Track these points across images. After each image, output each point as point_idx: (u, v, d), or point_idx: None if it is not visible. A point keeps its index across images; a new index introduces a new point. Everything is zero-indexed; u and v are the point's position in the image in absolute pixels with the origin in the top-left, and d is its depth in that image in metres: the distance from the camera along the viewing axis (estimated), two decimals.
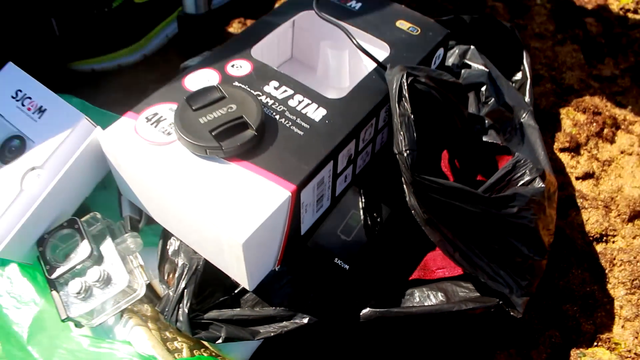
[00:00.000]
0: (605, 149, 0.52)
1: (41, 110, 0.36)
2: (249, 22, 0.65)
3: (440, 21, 0.49)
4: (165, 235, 0.38)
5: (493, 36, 0.51)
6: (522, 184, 0.35)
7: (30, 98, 0.37)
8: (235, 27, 0.65)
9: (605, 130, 0.53)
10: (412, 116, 0.32)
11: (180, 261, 0.36)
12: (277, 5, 0.67)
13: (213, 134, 0.32)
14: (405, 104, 0.32)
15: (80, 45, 0.58)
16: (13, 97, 0.37)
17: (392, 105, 0.33)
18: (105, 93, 0.57)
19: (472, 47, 0.45)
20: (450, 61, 0.45)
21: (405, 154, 0.31)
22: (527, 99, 0.47)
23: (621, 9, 0.65)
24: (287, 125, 0.34)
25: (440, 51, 0.42)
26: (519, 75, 0.50)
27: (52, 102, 0.36)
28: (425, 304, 0.36)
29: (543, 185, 0.34)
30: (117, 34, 0.60)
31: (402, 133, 0.32)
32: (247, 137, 0.32)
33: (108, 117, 0.45)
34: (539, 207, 0.34)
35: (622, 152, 0.52)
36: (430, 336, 0.40)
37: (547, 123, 0.53)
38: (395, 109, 0.32)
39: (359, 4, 0.43)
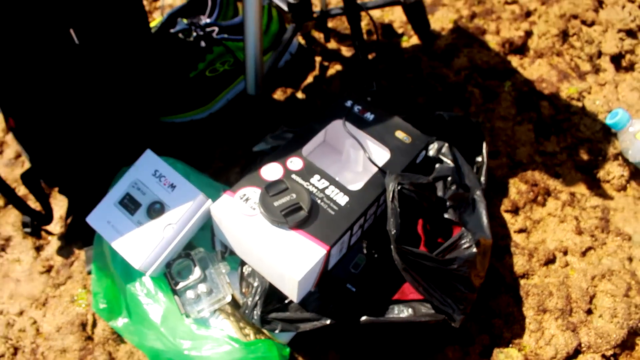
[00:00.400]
0: (537, 211, 0.77)
1: (172, 186, 0.60)
2: (289, 90, 0.89)
3: (427, 118, 0.73)
4: (242, 263, 0.63)
5: (465, 128, 0.75)
6: (464, 249, 0.60)
7: (165, 177, 0.61)
8: (279, 94, 0.88)
9: (539, 198, 0.77)
10: (399, 210, 0.57)
11: (254, 282, 0.61)
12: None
13: (282, 213, 0.56)
14: (395, 202, 0.57)
15: (167, 104, 0.82)
16: (153, 175, 0.61)
17: (387, 201, 0.57)
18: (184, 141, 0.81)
19: (446, 144, 0.70)
20: (430, 153, 0.70)
21: (392, 232, 0.56)
22: (482, 178, 0.72)
23: (568, 96, 0.88)
24: (325, 207, 0.59)
25: (422, 153, 0.66)
26: (480, 158, 0.74)
27: (179, 181, 0.61)
28: (401, 315, 0.61)
29: (475, 251, 0.59)
30: (193, 98, 0.84)
31: (392, 220, 0.56)
32: (302, 217, 0.57)
33: (202, 179, 0.69)
34: (471, 264, 0.59)
35: (549, 214, 0.77)
36: (403, 336, 0.65)
37: (498, 190, 0.78)
38: (389, 204, 0.57)
39: (372, 116, 0.67)
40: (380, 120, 0.67)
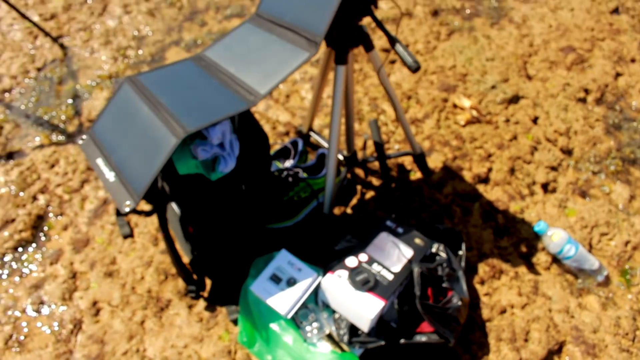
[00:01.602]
0: (495, 283, 1.42)
1: (299, 269, 1.25)
2: (342, 208, 1.55)
3: (429, 227, 1.40)
4: (334, 311, 1.26)
5: (451, 234, 1.41)
6: (454, 302, 1.24)
7: (294, 264, 1.25)
8: (336, 210, 1.54)
9: (496, 275, 1.43)
10: (420, 281, 1.22)
11: (342, 321, 1.24)
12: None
13: (360, 283, 1.21)
14: (418, 278, 1.22)
15: (269, 217, 1.48)
16: (288, 263, 1.26)
17: (414, 277, 1.22)
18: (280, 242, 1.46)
19: (442, 245, 1.36)
20: (433, 250, 1.35)
21: (418, 294, 1.21)
22: (462, 264, 1.37)
23: (514, 211, 1.56)
24: (380, 280, 1.23)
25: (429, 249, 1.32)
26: (460, 252, 1.40)
27: (302, 266, 1.25)
28: (422, 340, 1.24)
29: (460, 304, 1.23)
30: (285, 213, 1.49)
31: (417, 286, 1.21)
32: (370, 285, 1.21)
33: (309, 265, 1.33)
34: (458, 310, 1.23)
35: (502, 284, 1.42)
36: (422, 352, 1.28)
37: (472, 270, 1.43)
38: (415, 279, 1.22)
39: (402, 229, 1.34)
40: (406, 232, 1.33)
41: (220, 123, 1.11)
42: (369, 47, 1.28)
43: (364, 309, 1.19)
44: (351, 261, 1.27)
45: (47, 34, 2.02)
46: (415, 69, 1.15)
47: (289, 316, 1.21)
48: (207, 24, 2.19)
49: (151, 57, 2.06)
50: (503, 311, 1.36)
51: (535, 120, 1.78)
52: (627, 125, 1.78)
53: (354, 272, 1.24)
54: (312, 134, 1.62)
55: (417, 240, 1.33)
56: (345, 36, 1.23)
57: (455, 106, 1.81)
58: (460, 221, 1.52)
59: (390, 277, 1.24)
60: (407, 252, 1.30)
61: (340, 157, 1.52)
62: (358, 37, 1.25)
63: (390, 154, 1.56)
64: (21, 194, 1.65)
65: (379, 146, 1.54)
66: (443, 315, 1.23)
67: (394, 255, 1.30)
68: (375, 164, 1.65)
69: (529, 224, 1.52)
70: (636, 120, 1.79)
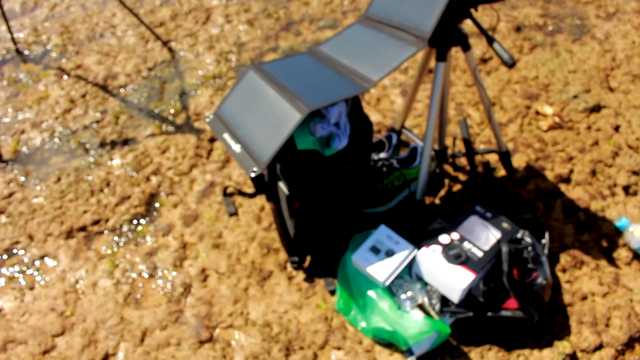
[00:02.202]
0: (576, 272, 1.55)
1: (397, 242, 1.43)
2: (431, 198, 1.73)
3: (516, 217, 1.55)
4: (426, 283, 1.43)
5: (536, 224, 1.56)
6: (539, 281, 1.38)
7: (392, 237, 1.43)
8: (426, 200, 1.72)
9: (577, 265, 1.56)
10: (508, 261, 1.37)
11: (433, 293, 1.40)
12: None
13: (453, 257, 1.37)
14: (506, 256, 1.37)
15: (366, 202, 1.67)
16: (386, 237, 1.44)
17: (502, 255, 1.38)
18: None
19: (527, 231, 1.51)
20: (519, 235, 1.51)
21: (505, 270, 1.36)
22: (545, 251, 1.51)
23: (595, 209, 1.69)
24: (471, 256, 1.39)
25: (516, 233, 1.48)
26: (543, 241, 1.54)
27: (399, 240, 1.43)
28: (507, 314, 1.38)
29: (545, 282, 1.38)
30: (379, 199, 1.68)
31: (505, 264, 1.36)
32: (462, 259, 1.37)
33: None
34: (543, 288, 1.37)
35: (583, 274, 1.55)
36: (507, 327, 1.42)
37: (554, 260, 1.57)
38: (504, 256, 1.37)
39: (490, 214, 1.50)
40: (495, 217, 1.49)
41: (338, 104, 1.32)
42: (466, 47, 1.47)
43: (455, 281, 1.35)
44: (444, 238, 1.44)
45: (158, 38, 2.32)
46: (511, 64, 1.33)
47: (387, 284, 1.39)
48: (301, 34, 2.45)
49: (251, 61, 2.33)
50: (584, 297, 1.49)
51: (616, 129, 1.91)
52: None
53: (447, 247, 1.40)
54: (404, 130, 1.81)
55: (505, 224, 1.48)
56: (447, 36, 1.43)
57: (537, 113, 1.97)
58: (542, 215, 1.67)
59: (480, 254, 1.40)
60: (496, 234, 1.46)
61: (432, 152, 1.71)
62: (458, 37, 1.44)
63: (478, 150, 1.73)
64: (136, 175, 1.91)
65: (468, 142, 1.71)
66: (528, 292, 1.37)
67: (483, 236, 1.46)
68: (462, 161, 1.82)
69: (609, 222, 1.65)
70: None
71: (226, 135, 1.38)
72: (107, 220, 1.78)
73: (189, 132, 2.03)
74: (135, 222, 1.78)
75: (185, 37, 2.47)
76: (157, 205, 1.82)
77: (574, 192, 1.73)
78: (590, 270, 1.54)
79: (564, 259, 1.56)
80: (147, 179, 1.89)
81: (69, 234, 1.75)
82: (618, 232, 1.62)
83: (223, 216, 1.75)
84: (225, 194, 1.80)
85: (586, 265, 1.55)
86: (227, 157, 1.93)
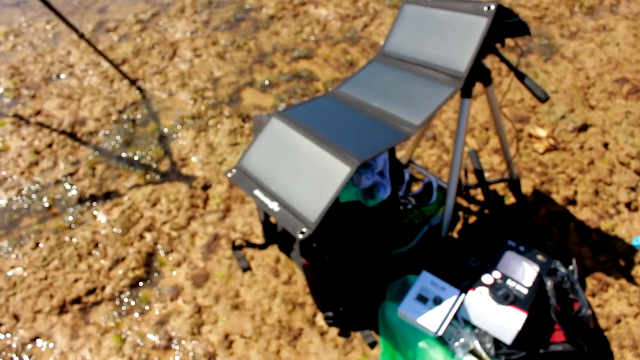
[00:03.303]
0: (604, 296, 1.56)
1: (443, 288, 1.36)
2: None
3: (542, 246, 1.54)
4: (474, 327, 1.37)
5: (562, 251, 1.55)
6: (584, 312, 1.37)
7: (436, 284, 1.37)
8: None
9: (603, 287, 1.56)
10: (555, 296, 1.34)
11: (484, 336, 1.35)
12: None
13: (502, 298, 1.33)
14: (553, 293, 1.35)
15: (389, 243, 1.60)
16: (431, 283, 1.37)
17: (548, 290, 1.35)
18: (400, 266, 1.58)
19: (557, 260, 1.49)
20: (551, 266, 1.49)
21: (553, 305, 1.33)
22: (575, 276, 1.51)
23: (606, 229, 1.72)
24: (517, 294, 1.36)
25: (550, 265, 1.46)
26: (571, 267, 1.54)
27: (445, 285, 1.37)
28: (557, 349, 1.36)
29: (590, 313, 1.36)
30: (400, 239, 1.62)
31: (553, 299, 1.34)
32: (511, 299, 1.33)
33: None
34: (588, 319, 1.36)
35: (612, 296, 1.56)
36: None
37: (581, 285, 1.57)
38: (550, 292, 1.35)
39: (523, 247, 1.47)
40: (528, 250, 1.47)
41: (383, 152, 1.24)
42: (488, 82, 1.44)
43: (508, 322, 1.30)
44: (487, 278, 1.39)
45: (125, 77, 2.14)
46: (545, 99, 1.31)
47: (440, 333, 1.32)
48: (276, 66, 2.34)
49: (229, 97, 2.20)
50: (618, 320, 1.49)
51: (606, 146, 1.96)
52: None
53: (493, 288, 1.36)
54: (412, 165, 1.76)
55: (539, 257, 1.46)
56: (473, 71, 1.39)
57: (530, 136, 1.99)
58: (559, 240, 1.67)
59: (525, 291, 1.37)
60: (534, 267, 1.43)
61: (443, 185, 1.66)
62: (482, 72, 1.41)
63: (490, 180, 1.71)
64: (127, 232, 1.73)
65: (480, 173, 1.69)
66: (576, 324, 1.35)
67: (522, 271, 1.42)
68: (472, 192, 1.79)
69: (622, 240, 1.68)
70: None
71: (258, 192, 1.27)
72: (103, 288, 1.60)
73: (178, 180, 1.88)
74: (136, 287, 1.60)
75: (153, 74, 2.30)
76: (157, 265, 1.65)
77: (582, 214, 1.74)
78: (617, 292, 1.55)
79: (590, 282, 1.57)
80: (141, 237, 1.72)
81: (62, 309, 1.55)
82: (632, 250, 1.65)
83: (236, 272, 1.61)
84: (235, 247, 1.67)
85: (611, 287, 1.56)
86: (226, 206, 1.79)
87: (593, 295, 1.54)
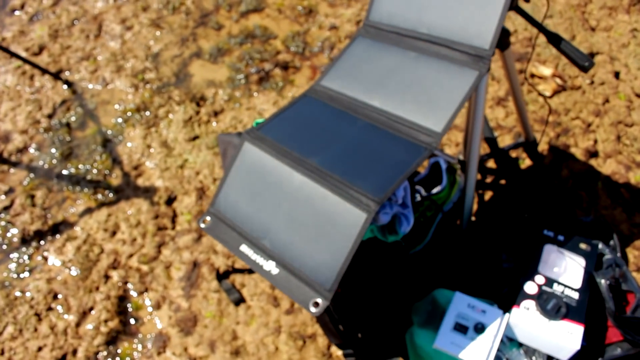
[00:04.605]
0: None
1: (483, 311, 1.10)
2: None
3: (576, 222, 1.27)
4: (520, 344, 1.13)
5: (599, 225, 1.29)
6: (639, 311, 1.14)
7: (475, 306, 1.10)
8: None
9: None
10: (612, 298, 1.10)
11: (535, 355, 1.11)
12: None
13: (554, 312, 1.07)
14: (610, 295, 1.10)
15: (408, 244, 1.31)
16: (468, 306, 1.10)
17: (602, 290, 1.10)
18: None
19: (600, 242, 1.23)
20: (611, 243, 1.23)
21: (612, 309, 1.09)
22: (617, 253, 1.26)
23: (636, 182, 1.46)
24: (569, 302, 1.10)
25: (596, 252, 1.20)
26: (612, 242, 1.29)
27: (484, 307, 1.10)
28: (615, 352, 1.13)
29: None
30: (417, 236, 1.33)
31: (610, 301, 1.09)
32: (564, 312, 1.08)
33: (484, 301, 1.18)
34: None
35: None
36: None
37: (623, 259, 1.33)
38: (605, 292, 1.10)
39: (561, 237, 1.20)
40: (568, 239, 1.20)
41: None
42: (506, 45, 1.10)
43: (563, 340, 1.06)
44: (530, 287, 1.13)
45: (45, 71, 1.70)
46: (589, 66, 0.98)
47: None
48: (223, 26, 1.91)
49: (175, 75, 1.78)
50: None
51: (617, 75, 1.66)
52: None
53: (540, 300, 1.10)
54: None
55: (583, 245, 1.20)
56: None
57: (533, 76, 1.66)
58: (589, 205, 1.40)
59: (575, 295, 1.12)
60: (579, 262, 1.17)
61: (457, 164, 1.35)
62: (501, 36, 1.06)
63: (504, 147, 1.40)
64: (88, 274, 1.39)
65: (493, 142, 1.38)
66: (635, 324, 1.12)
67: (568, 269, 1.17)
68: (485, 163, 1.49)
69: None
70: None
71: (246, 249, 0.94)
72: (74, 352, 1.29)
73: (135, 196, 1.52)
74: (113, 343, 1.30)
75: (79, 61, 1.84)
76: (132, 310, 1.34)
77: (607, 167, 1.47)
78: None
79: (632, 254, 1.33)
80: (106, 277, 1.39)
81: None
82: None
83: (228, 308, 1.31)
84: (220, 277, 1.35)
85: None
86: None
87: (638, 269, 1.31)
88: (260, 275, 0.91)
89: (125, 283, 1.38)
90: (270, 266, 0.90)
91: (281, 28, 1.91)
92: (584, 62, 0.99)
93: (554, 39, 1.01)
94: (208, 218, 0.99)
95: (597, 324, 1.15)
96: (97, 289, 1.37)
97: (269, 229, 0.92)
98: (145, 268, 1.39)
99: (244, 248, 0.93)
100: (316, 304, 0.85)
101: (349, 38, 1.86)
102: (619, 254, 1.27)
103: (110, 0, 2.01)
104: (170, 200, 1.50)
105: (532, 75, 1.67)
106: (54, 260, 1.42)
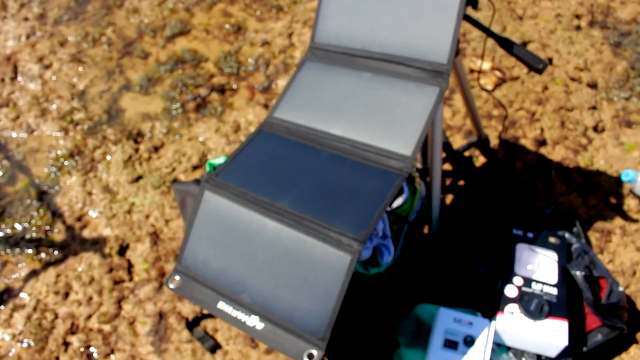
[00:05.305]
0: (610, 247, 1.35)
1: (470, 323, 1.07)
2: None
3: (538, 215, 1.27)
4: (509, 348, 1.12)
5: (561, 215, 1.30)
6: (617, 289, 1.15)
7: (461, 319, 1.07)
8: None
9: (605, 237, 1.36)
10: (589, 288, 1.10)
11: (524, 356, 1.10)
12: None
13: (541, 315, 1.07)
14: (587, 286, 1.10)
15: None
16: (454, 321, 1.07)
17: (578, 281, 1.10)
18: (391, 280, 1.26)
19: (565, 232, 1.24)
20: (575, 230, 1.24)
21: (590, 299, 1.09)
22: (582, 240, 1.27)
23: (585, 165, 1.49)
24: (549, 299, 1.10)
25: (565, 244, 1.20)
26: (575, 229, 1.30)
27: (470, 318, 1.07)
28: (598, 338, 1.14)
29: (623, 289, 1.15)
30: None
31: (586, 291, 1.10)
32: (547, 311, 1.07)
33: (467, 310, 1.16)
34: (624, 302, 1.14)
35: (617, 245, 1.36)
36: (600, 347, 1.19)
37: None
38: (581, 283, 1.10)
39: (531, 234, 1.20)
40: (537, 235, 1.20)
41: None
42: (457, 51, 1.08)
43: (552, 338, 1.06)
44: (511, 291, 1.12)
45: None
46: (543, 68, 0.97)
47: None
48: (150, 54, 1.80)
49: (107, 113, 1.66)
50: (634, 273, 1.30)
51: (551, 61, 1.69)
52: (625, 40, 1.75)
53: (522, 302, 1.09)
54: None
55: (552, 239, 1.20)
56: None
57: (472, 71, 1.66)
58: (547, 195, 1.42)
59: (554, 291, 1.12)
60: (552, 257, 1.17)
61: (416, 173, 1.33)
62: None
63: (458, 148, 1.39)
64: (45, 345, 1.27)
65: (448, 146, 1.37)
66: (612, 309, 1.13)
67: (542, 266, 1.17)
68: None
69: (604, 174, 1.46)
70: (631, 34, 1.77)
71: (224, 306, 0.87)
72: None
73: (84, 250, 1.40)
74: None
75: None
76: None
77: (557, 154, 1.49)
78: (620, 238, 1.35)
79: (593, 236, 1.35)
80: (66, 345, 1.27)
81: None
82: (618, 182, 1.44)
83: (204, 357, 1.23)
84: (190, 325, 1.26)
85: (613, 233, 1.36)
86: (158, 269, 1.36)
87: (601, 251, 1.33)
88: (244, 332, 0.84)
89: (88, 347, 1.26)
90: (254, 321, 0.84)
91: (211, 49, 1.82)
92: (537, 64, 0.97)
93: (506, 44, 0.99)
94: (177, 277, 0.91)
95: (576, 314, 1.16)
96: (57, 359, 1.25)
97: (246, 282, 0.85)
98: (107, 328, 1.28)
99: (222, 305, 0.86)
100: (310, 356, 0.79)
101: (283, 52, 1.80)
102: (583, 240, 1.28)
103: (23, 38, 1.85)
104: (122, 250, 1.39)
105: (472, 71, 1.67)
106: (1, 335, 1.29)
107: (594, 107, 1.59)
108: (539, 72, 0.98)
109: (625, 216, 1.40)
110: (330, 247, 0.80)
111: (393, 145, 0.89)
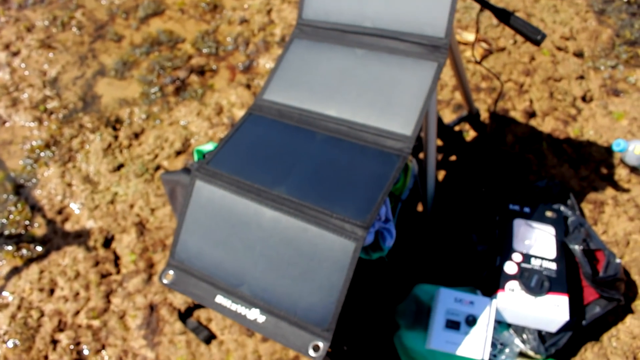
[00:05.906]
0: (604, 218, 1.34)
1: (471, 302, 1.05)
2: None
3: (532, 189, 1.25)
4: (509, 324, 1.10)
5: (554, 188, 1.29)
6: (615, 264, 1.14)
7: (462, 299, 1.05)
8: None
9: (598, 208, 1.35)
10: (588, 262, 1.09)
11: (529, 331, 1.09)
12: None
13: (542, 291, 1.05)
14: (585, 260, 1.09)
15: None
16: (455, 301, 1.05)
17: (577, 255, 1.09)
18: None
19: (560, 205, 1.23)
20: (569, 202, 1.22)
21: (589, 273, 1.08)
22: (577, 212, 1.26)
23: (576, 136, 1.47)
24: (550, 275, 1.08)
25: (562, 217, 1.19)
26: (569, 201, 1.29)
27: (471, 297, 1.05)
28: (595, 311, 1.14)
29: (619, 261, 1.14)
30: None
31: (584, 264, 1.08)
32: (547, 287, 1.06)
33: (465, 289, 1.13)
34: (620, 272, 1.14)
35: (610, 216, 1.35)
36: (600, 319, 1.18)
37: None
38: (580, 257, 1.09)
39: (527, 208, 1.18)
40: (534, 210, 1.18)
41: None
42: None
43: (553, 313, 1.05)
44: (510, 267, 1.10)
45: None
46: (541, 39, 0.94)
47: (486, 358, 1.03)
48: (124, 37, 1.71)
49: (82, 100, 1.58)
50: (627, 243, 1.30)
51: None
52: (609, 7, 1.73)
53: (522, 278, 1.07)
54: None
55: (549, 214, 1.19)
56: None
57: (458, 43, 1.62)
58: (539, 167, 1.40)
59: (553, 266, 1.10)
60: (549, 231, 1.16)
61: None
62: None
63: (450, 123, 1.36)
64: (32, 344, 1.21)
65: (437, 121, 1.33)
66: (611, 282, 1.12)
67: (540, 241, 1.15)
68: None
69: (594, 144, 1.45)
70: (615, 0, 1.74)
71: (222, 299, 0.83)
72: None
73: (67, 244, 1.34)
74: None
75: None
76: None
77: (547, 125, 1.47)
78: (613, 209, 1.34)
79: (586, 208, 1.34)
80: (54, 343, 1.22)
81: None
82: (608, 152, 1.43)
83: (199, 348, 1.19)
84: (183, 316, 1.22)
85: (606, 204, 1.35)
86: (146, 260, 1.31)
87: (595, 223, 1.32)
88: (245, 325, 0.80)
89: (78, 344, 1.21)
90: (255, 314, 0.80)
91: (187, 29, 1.74)
92: (536, 36, 0.94)
93: (503, 15, 0.95)
94: (171, 272, 0.86)
95: (574, 287, 1.15)
96: (46, 358, 1.20)
97: (245, 274, 0.81)
98: (96, 323, 1.23)
99: (220, 299, 0.82)
100: (316, 347, 0.76)
101: (263, 30, 1.73)
102: (578, 212, 1.27)
103: None
104: (107, 242, 1.34)
105: (458, 43, 1.63)
106: None
107: (582, 77, 1.57)
108: (537, 43, 0.94)
109: (617, 186, 1.39)
110: (332, 234, 0.76)
111: (392, 125, 0.85)
